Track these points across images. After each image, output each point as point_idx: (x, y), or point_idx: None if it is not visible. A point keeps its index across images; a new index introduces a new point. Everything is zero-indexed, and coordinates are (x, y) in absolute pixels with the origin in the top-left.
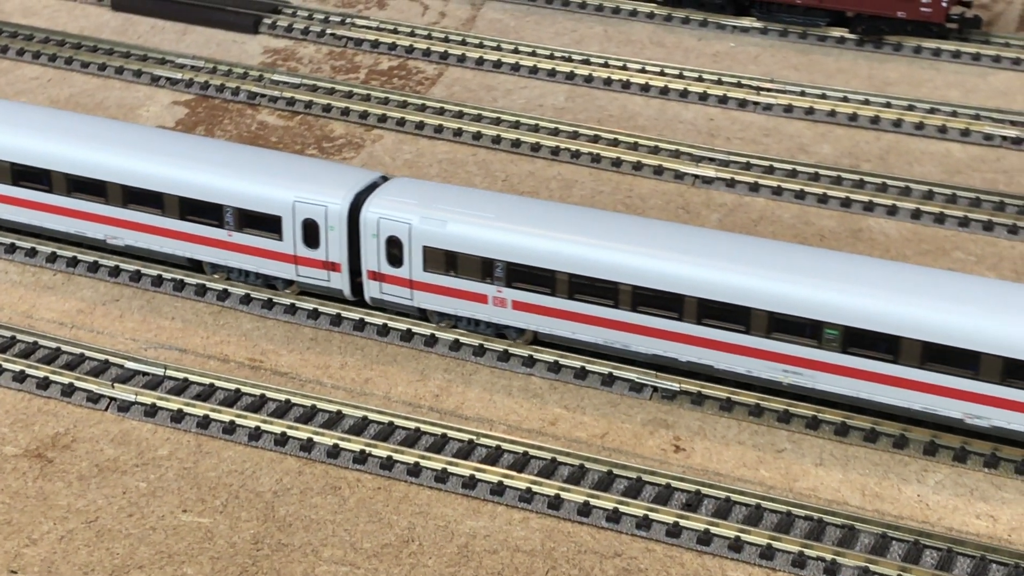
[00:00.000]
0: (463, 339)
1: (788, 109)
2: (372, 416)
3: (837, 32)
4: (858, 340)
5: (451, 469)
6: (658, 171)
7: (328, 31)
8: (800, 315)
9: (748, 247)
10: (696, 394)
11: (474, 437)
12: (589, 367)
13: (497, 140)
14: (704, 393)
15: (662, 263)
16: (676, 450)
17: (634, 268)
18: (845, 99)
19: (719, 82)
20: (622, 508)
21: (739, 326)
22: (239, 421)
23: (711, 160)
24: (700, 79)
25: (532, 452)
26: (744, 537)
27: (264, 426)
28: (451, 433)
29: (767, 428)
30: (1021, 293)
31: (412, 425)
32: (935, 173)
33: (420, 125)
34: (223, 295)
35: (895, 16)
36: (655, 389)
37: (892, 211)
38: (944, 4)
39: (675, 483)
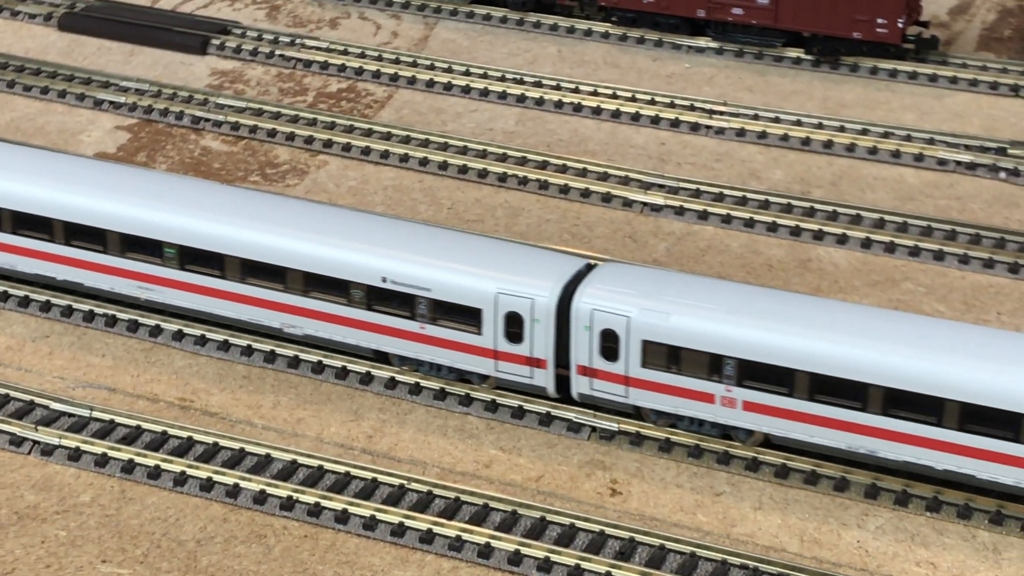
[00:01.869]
0: (399, 377)
1: (741, 133)
2: (301, 460)
3: (793, 52)
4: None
5: (380, 516)
6: (606, 199)
7: (277, 52)
8: None
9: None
10: (635, 434)
11: (405, 482)
12: (527, 406)
13: (444, 166)
14: (643, 434)
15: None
16: (613, 493)
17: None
18: (799, 123)
19: (672, 105)
20: (553, 557)
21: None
22: (164, 466)
23: (660, 187)
24: (652, 102)
25: (464, 498)
26: None
27: (190, 471)
28: (382, 478)
29: (706, 470)
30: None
31: (342, 469)
32: (887, 200)
33: (366, 151)
34: (155, 331)
35: (851, 37)
36: (593, 429)
37: (842, 240)
38: (900, 25)
39: (609, 530)
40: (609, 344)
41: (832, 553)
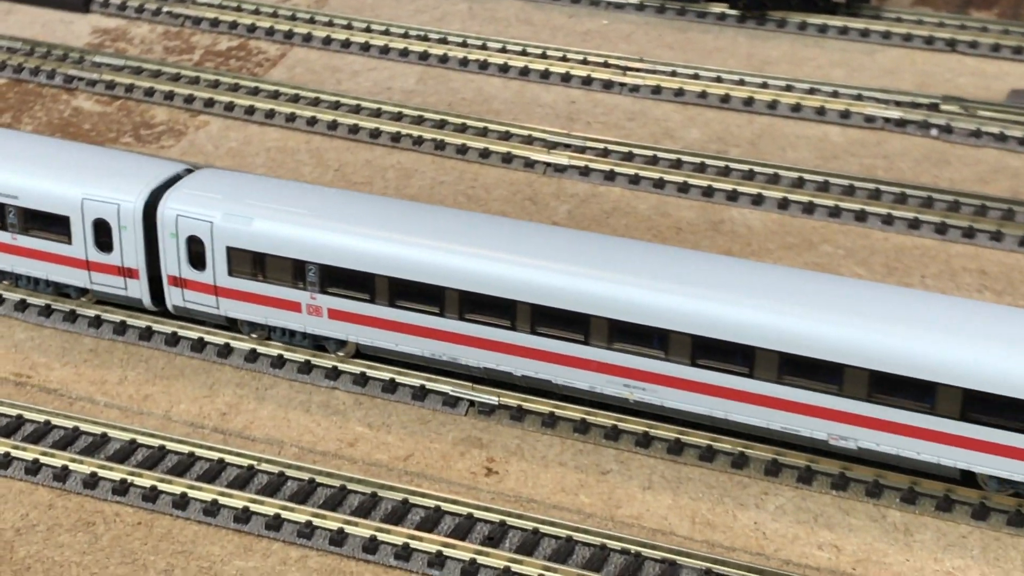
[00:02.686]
0: (261, 349)
1: (656, 90)
2: (141, 440)
3: (718, 8)
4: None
5: (223, 500)
6: (507, 159)
7: (165, 9)
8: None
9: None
10: (516, 408)
11: (255, 463)
12: (400, 379)
13: (333, 126)
14: (525, 407)
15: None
16: (488, 473)
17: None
18: (718, 79)
19: (584, 62)
20: (413, 544)
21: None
22: None
23: (566, 147)
24: (564, 59)
25: (319, 479)
26: None
27: (15, 452)
28: (230, 459)
29: (593, 447)
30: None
31: (186, 449)
32: (809, 159)
33: (250, 110)
34: None
35: None
36: (472, 403)
37: (757, 201)
38: None
39: (478, 513)
40: (196, 251)
41: (726, 536)
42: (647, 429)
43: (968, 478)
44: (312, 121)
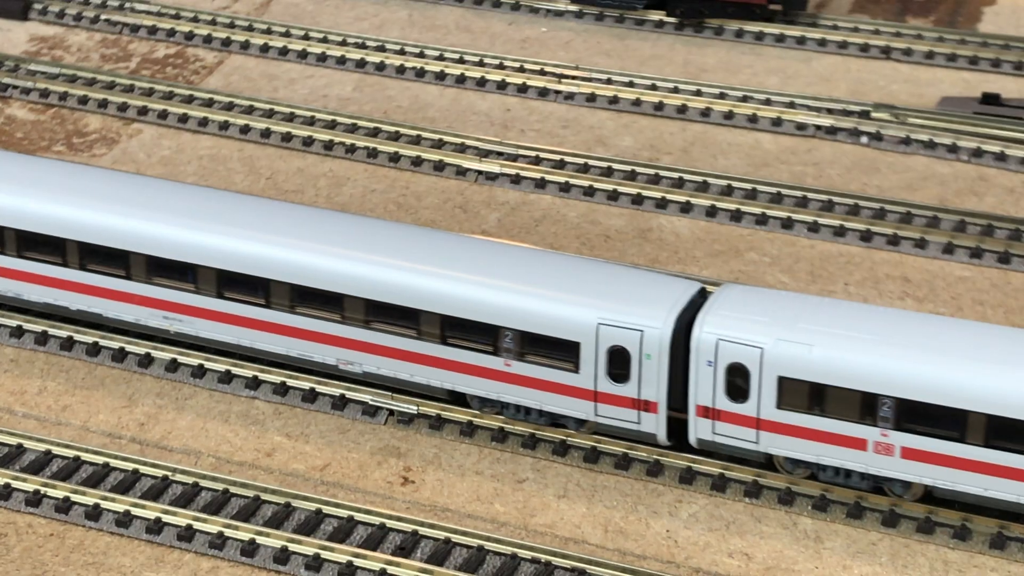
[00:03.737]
0: (180, 359)
1: (591, 98)
2: (57, 451)
3: (656, 15)
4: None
5: (135, 512)
6: (439, 167)
7: (103, 17)
8: None
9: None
10: (435, 418)
11: (170, 473)
12: (319, 388)
13: (267, 134)
14: (444, 417)
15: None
16: (404, 483)
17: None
18: (653, 87)
19: (521, 70)
20: (324, 554)
21: None
22: None
23: (499, 155)
24: (501, 66)
25: (233, 490)
26: None
27: None
28: (144, 469)
29: (511, 455)
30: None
31: (100, 460)
32: (740, 166)
33: (184, 118)
34: None
35: None
36: (391, 413)
37: (686, 208)
38: None
39: (391, 523)
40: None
41: (638, 544)
42: (564, 438)
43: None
44: (245, 129)
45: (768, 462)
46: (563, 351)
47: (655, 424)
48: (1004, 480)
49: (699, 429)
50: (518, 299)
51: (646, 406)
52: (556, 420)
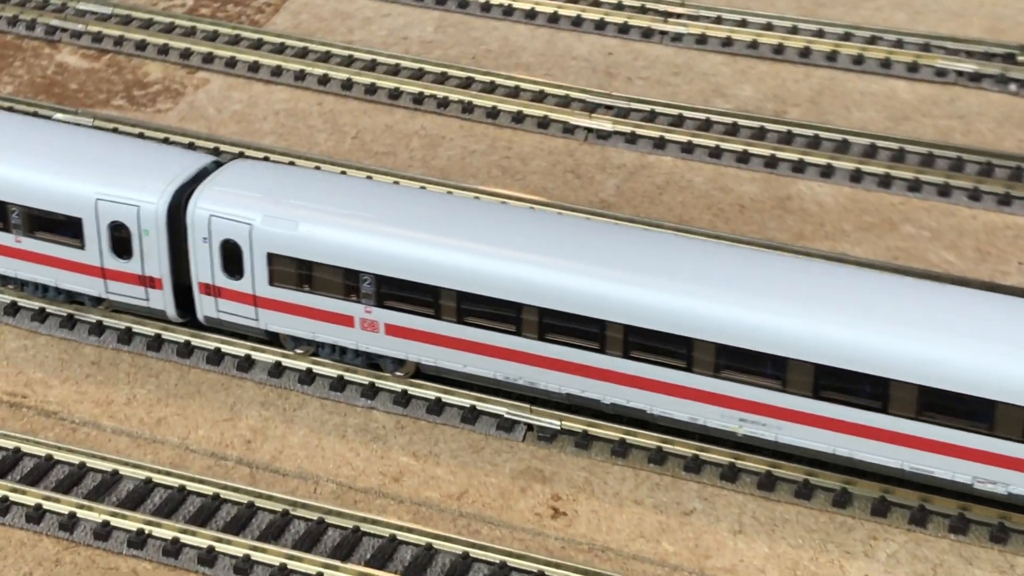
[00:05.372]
0: (286, 362)
1: (702, 40)
2: (158, 479)
3: None
4: None
5: (255, 556)
6: (543, 123)
7: None
8: None
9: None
10: (581, 434)
11: (289, 508)
12: (447, 399)
13: (348, 85)
14: (591, 433)
15: None
16: (555, 514)
17: None
18: (769, 26)
19: (619, 7)
20: None
21: None
22: None
23: (608, 108)
24: (597, 3)
25: (365, 527)
26: None
27: (14, 496)
28: (260, 503)
29: (672, 479)
30: None
31: (210, 491)
32: (878, 120)
33: (255, 66)
34: None
35: None
36: (529, 427)
37: (827, 172)
38: None
39: (549, 571)
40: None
41: None
42: (733, 460)
43: None
44: (324, 80)
45: (276, 339)
46: (68, 228)
47: (162, 300)
48: (476, 355)
49: (204, 306)
50: (23, 174)
51: (151, 282)
52: (72, 297)
